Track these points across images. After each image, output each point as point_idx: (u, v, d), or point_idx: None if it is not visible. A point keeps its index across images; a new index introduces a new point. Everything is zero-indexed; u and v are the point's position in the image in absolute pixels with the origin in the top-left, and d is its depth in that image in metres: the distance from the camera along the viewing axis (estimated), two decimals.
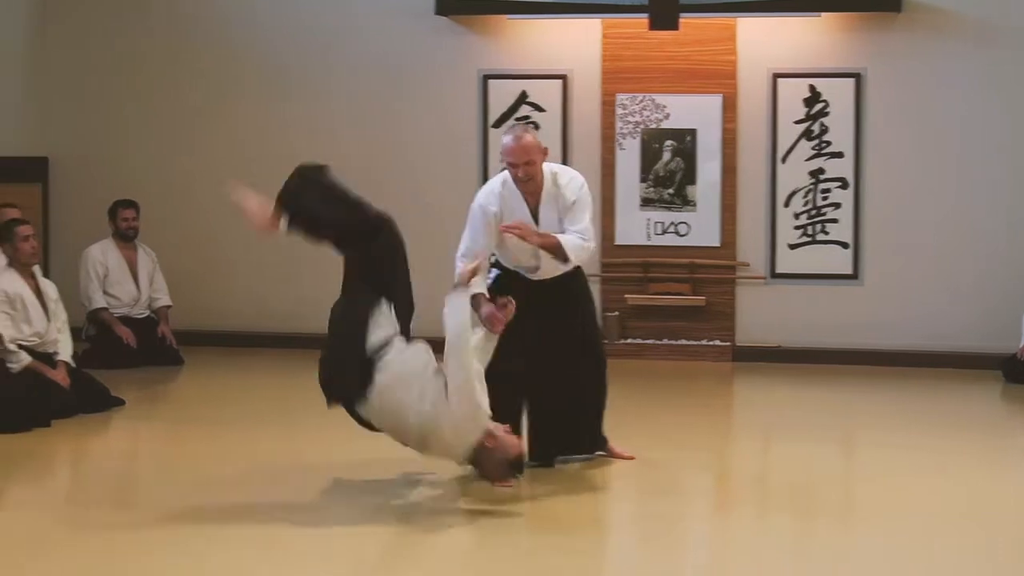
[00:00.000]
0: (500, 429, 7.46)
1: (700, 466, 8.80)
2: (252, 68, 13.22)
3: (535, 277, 8.30)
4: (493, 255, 8.38)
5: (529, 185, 8.19)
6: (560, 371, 8.35)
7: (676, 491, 8.18)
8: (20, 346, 9.81)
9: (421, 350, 7.54)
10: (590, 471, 8.42)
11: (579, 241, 8.23)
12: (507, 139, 8.21)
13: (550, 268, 8.27)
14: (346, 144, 13.06)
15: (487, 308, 7.91)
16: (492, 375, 8.00)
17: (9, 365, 9.69)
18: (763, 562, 6.84)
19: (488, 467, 7.51)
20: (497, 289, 8.32)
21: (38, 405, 9.54)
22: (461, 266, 8.02)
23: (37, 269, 10.36)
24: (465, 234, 8.25)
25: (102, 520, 7.37)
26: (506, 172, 8.27)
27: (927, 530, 7.26)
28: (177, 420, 10.28)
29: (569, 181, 8.32)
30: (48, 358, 10.02)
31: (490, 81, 12.85)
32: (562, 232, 8.18)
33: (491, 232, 8.19)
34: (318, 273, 13.13)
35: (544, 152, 8.26)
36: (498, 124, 12.75)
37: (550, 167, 8.30)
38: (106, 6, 13.45)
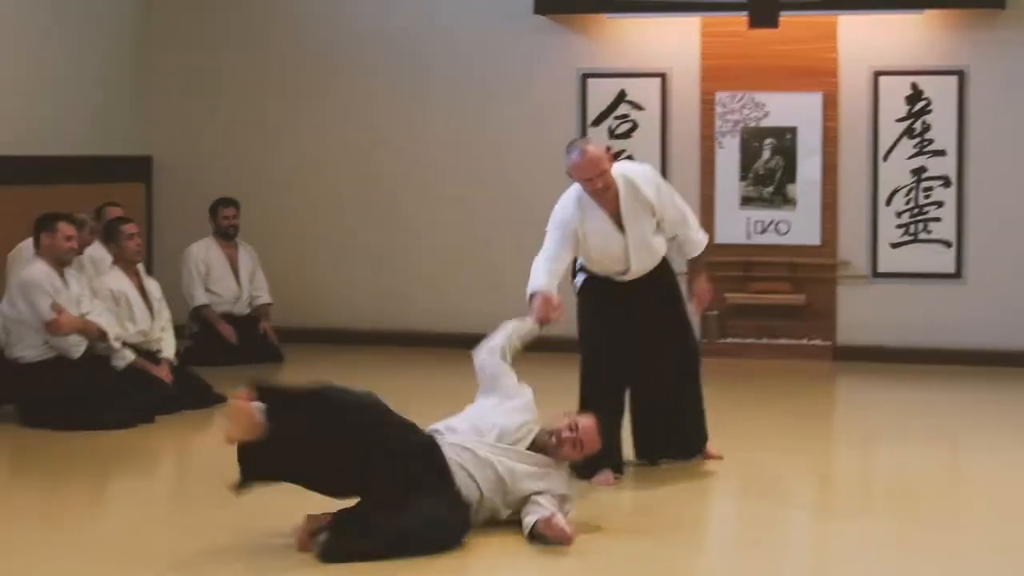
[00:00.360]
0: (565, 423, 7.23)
1: (801, 468, 8.73)
2: (350, 67, 13.27)
3: (625, 279, 8.26)
4: (577, 259, 8.30)
5: (606, 194, 8.03)
6: (659, 370, 8.31)
7: (776, 493, 8.12)
8: (124, 344, 9.92)
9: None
10: (689, 470, 8.38)
11: (699, 237, 8.44)
12: (574, 156, 7.94)
13: (639, 269, 8.23)
14: (444, 144, 13.11)
15: (538, 300, 7.76)
16: (593, 375, 7.99)
17: (114, 362, 9.80)
18: (864, 567, 6.78)
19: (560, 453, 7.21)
20: (586, 290, 8.28)
21: (142, 401, 9.63)
22: (538, 273, 7.90)
23: (141, 267, 10.47)
24: (548, 239, 8.10)
25: (203, 515, 7.43)
26: (577, 186, 8.11)
27: None
28: None
29: (642, 178, 8.19)
30: (151, 356, 10.13)
31: (589, 80, 12.83)
32: (662, 233, 8.24)
33: (571, 247, 8.07)
34: (417, 271, 13.20)
35: (611, 156, 8.11)
36: (597, 123, 12.74)
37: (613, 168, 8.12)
38: (208, 8, 13.56)
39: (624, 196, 8.08)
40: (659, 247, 8.26)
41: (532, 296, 7.84)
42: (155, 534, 7.18)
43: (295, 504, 7.53)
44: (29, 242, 10.05)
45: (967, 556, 6.86)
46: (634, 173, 8.22)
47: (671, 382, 8.33)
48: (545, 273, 7.91)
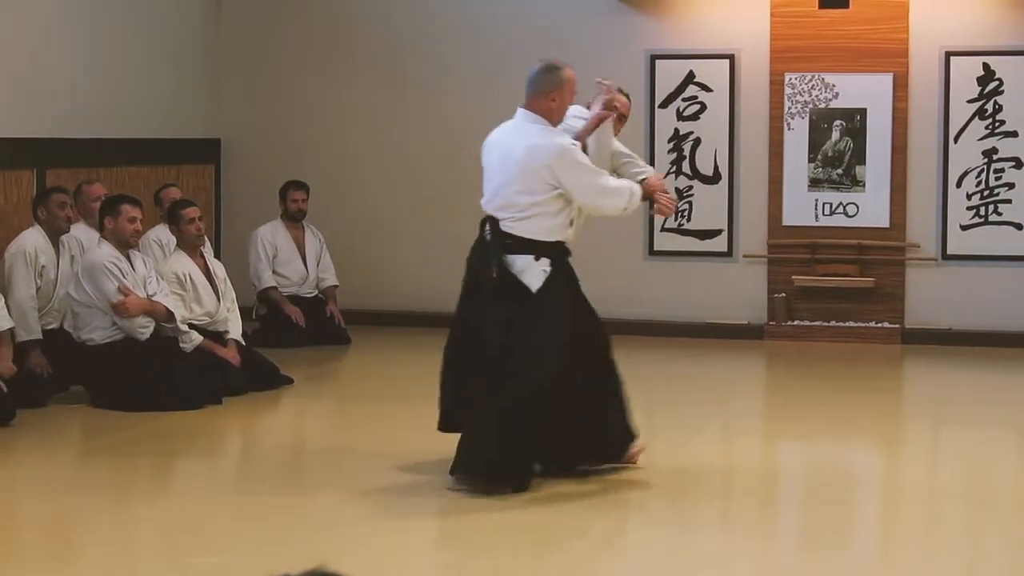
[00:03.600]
0: None
1: (867, 451, 8.69)
2: (418, 50, 13.28)
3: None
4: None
5: None
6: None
7: (842, 476, 8.09)
8: (191, 326, 9.98)
9: None
10: (755, 449, 8.37)
11: None
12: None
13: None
14: None
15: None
16: None
17: (181, 344, 9.85)
18: (932, 552, 6.75)
19: None
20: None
21: (210, 383, 9.68)
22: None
23: (207, 249, 10.52)
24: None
25: (270, 496, 7.48)
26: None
27: None
28: (344, 398, 10.40)
29: None
30: (218, 337, 10.18)
31: (657, 61, 12.78)
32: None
33: None
34: None
35: None
36: (665, 104, 12.71)
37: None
38: None
39: None
40: None
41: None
42: (221, 515, 7.23)
43: (357, 486, 7.58)
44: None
45: None
46: None
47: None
48: None
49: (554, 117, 7.57)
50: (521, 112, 7.67)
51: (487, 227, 7.52)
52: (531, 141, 7.46)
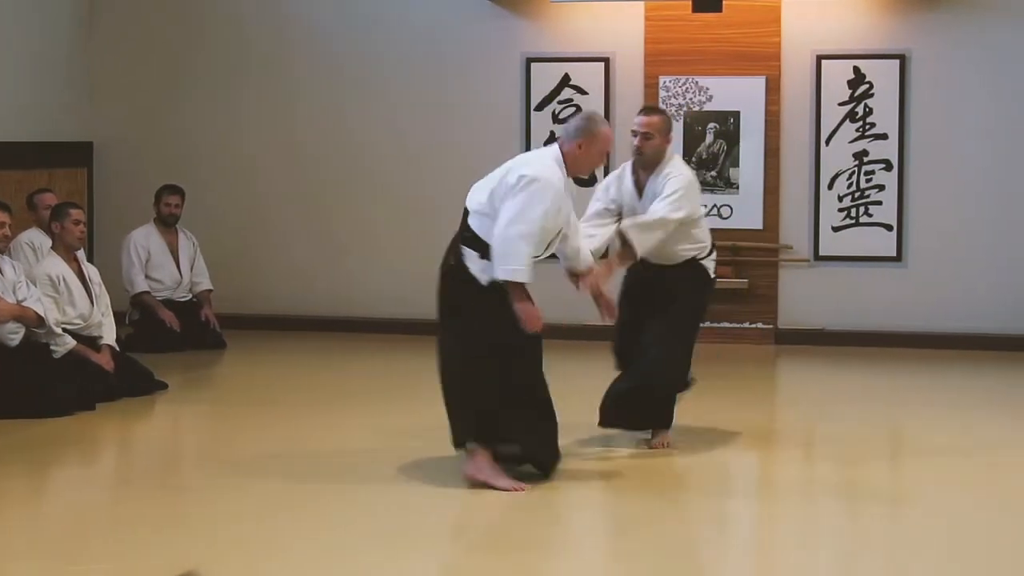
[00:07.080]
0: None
1: (742, 452, 8.75)
2: (298, 54, 13.21)
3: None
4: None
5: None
6: None
7: (718, 478, 8.15)
8: (64, 329, 9.85)
9: None
10: (627, 451, 8.41)
11: None
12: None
13: None
14: (391, 127, 13.08)
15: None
16: None
17: (53, 348, 9.72)
18: (806, 550, 6.82)
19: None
20: None
21: (82, 389, 9.57)
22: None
23: (81, 253, 10.40)
24: None
25: (146, 502, 7.41)
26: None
27: (975, 513, 7.23)
28: (220, 403, 10.33)
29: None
30: (92, 341, 10.06)
31: (533, 64, 12.82)
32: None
33: None
34: (361, 257, 13.18)
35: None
36: (540, 107, 12.74)
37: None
38: None
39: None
40: None
41: None
42: (99, 522, 7.15)
43: (234, 489, 7.53)
44: None
45: (909, 536, 6.91)
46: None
47: None
48: None
49: (577, 164, 7.86)
50: (553, 148, 7.89)
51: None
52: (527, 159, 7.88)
